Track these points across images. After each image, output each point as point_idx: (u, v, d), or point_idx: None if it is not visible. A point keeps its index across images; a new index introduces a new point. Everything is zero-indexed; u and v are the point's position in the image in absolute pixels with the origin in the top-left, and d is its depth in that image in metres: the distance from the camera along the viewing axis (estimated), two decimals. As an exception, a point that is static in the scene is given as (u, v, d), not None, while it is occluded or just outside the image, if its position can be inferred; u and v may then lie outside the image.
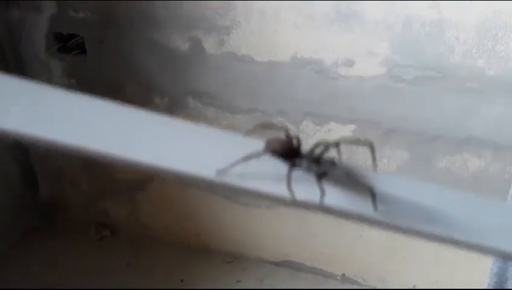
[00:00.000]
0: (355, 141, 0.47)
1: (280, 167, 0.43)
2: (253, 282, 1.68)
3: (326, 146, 0.45)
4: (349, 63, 1.36)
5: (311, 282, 1.68)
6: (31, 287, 1.62)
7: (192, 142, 0.45)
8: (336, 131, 1.45)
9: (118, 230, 1.86)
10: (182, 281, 1.67)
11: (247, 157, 0.42)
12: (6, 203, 1.78)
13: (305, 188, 0.42)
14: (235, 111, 1.51)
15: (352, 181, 0.43)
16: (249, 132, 0.47)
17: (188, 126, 0.47)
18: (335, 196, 0.42)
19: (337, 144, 0.45)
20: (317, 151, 0.45)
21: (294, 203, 0.41)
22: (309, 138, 1.48)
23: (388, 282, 1.63)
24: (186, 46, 1.47)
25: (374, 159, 0.47)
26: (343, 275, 1.68)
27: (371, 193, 0.41)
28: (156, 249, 1.79)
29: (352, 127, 1.43)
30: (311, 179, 0.42)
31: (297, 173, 0.43)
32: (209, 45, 1.45)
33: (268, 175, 0.43)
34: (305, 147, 0.45)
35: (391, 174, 0.42)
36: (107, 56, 1.56)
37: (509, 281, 0.73)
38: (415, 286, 1.61)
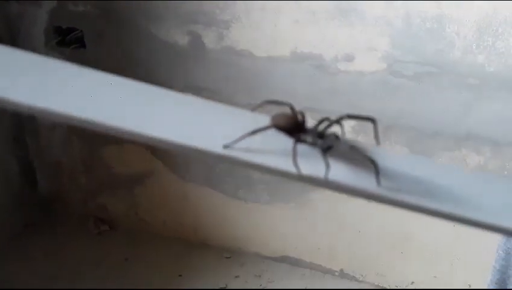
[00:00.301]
0: (358, 117, 0.47)
1: (285, 141, 0.43)
2: (252, 277, 1.68)
3: (330, 122, 0.45)
4: (349, 58, 1.36)
5: (309, 278, 1.68)
6: (30, 281, 1.62)
7: (199, 117, 0.45)
8: (335, 126, 1.45)
9: (117, 225, 1.86)
10: (180, 276, 1.67)
11: (254, 132, 0.42)
12: (5, 197, 1.78)
13: (310, 162, 0.42)
14: (234, 106, 1.50)
15: (356, 155, 0.43)
16: (255, 108, 0.48)
17: (194, 100, 0.47)
18: (339, 170, 0.42)
19: (340, 120, 0.46)
20: (321, 126, 0.45)
21: (300, 178, 0.41)
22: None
23: (386, 278, 1.63)
24: (185, 41, 1.46)
25: (376, 134, 0.48)
26: (341, 270, 1.68)
27: (374, 167, 0.41)
28: (154, 244, 1.79)
29: (352, 122, 1.43)
30: (315, 153, 0.43)
31: (302, 148, 0.43)
32: (209, 39, 1.44)
33: (274, 150, 0.43)
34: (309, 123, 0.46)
35: (394, 150, 0.43)
36: (106, 50, 1.56)
37: (511, 278, 0.73)
38: (413, 282, 1.61)
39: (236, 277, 1.68)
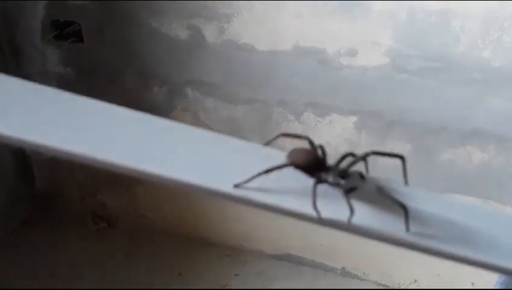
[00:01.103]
0: (385, 154, 0.43)
1: (303, 180, 0.40)
2: (253, 276, 1.67)
3: (355, 159, 0.42)
4: (352, 53, 1.34)
5: (311, 276, 1.67)
6: (28, 279, 1.61)
7: (208, 153, 0.42)
8: (337, 122, 1.43)
9: (116, 222, 1.85)
10: (179, 274, 1.66)
11: (268, 170, 0.39)
12: (2, 193, 1.77)
13: (331, 204, 0.39)
14: (235, 101, 1.49)
15: (383, 197, 0.39)
16: (269, 142, 0.44)
17: (203, 134, 0.43)
18: (364, 213, 0.39)
19: (365, 157, 0.42)
20: (344, 163, 0.42)
21: (320, 222, 0.39)
22: (310, 130, 1.46)
23: (389, 276, 1.62)
24: (186, 35, 1.45)
25: (405, 173, 0.44)
26: (343, 268, 1.67)
27: (404, 212, 0.38)
28: (153, 242, 1.77)
29: (354, 118, 1.41)
30: (337, 194, 0.39)
31: (323, 187, 0.39)
32: (210, 33, 1.43)
33: (291, 189, 0.40)
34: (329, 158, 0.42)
35: (422, 189, 0.39)
36: (105, 44, 1.54)
37: None
38: (415, 280, 1.59)
39: (236, 275, 1.67)
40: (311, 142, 0.42)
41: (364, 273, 1.65)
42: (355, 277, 1.66)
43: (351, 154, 0.42)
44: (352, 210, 0.38)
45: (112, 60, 1.55)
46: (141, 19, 1.46)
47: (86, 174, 1.81)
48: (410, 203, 0.39)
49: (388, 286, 1.63)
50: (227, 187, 0.39)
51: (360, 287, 1.64)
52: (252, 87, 1.46)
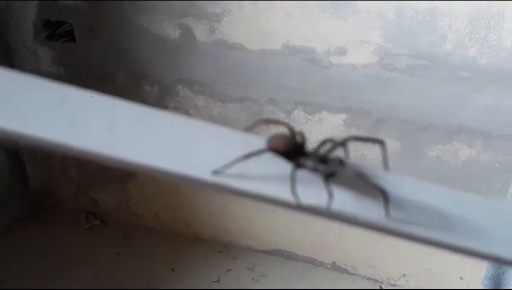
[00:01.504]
0: (365, 139, 0.42)
1: (283, 166, 0.39)
2: (244, 271, 1.68)
3: (334, 144, 0.41)
4: (342, 52, 1.35)
5: (301, 271, 1.68)
6: (21, 276, 1.61)
7: (185, 139, 0.40)
8: (327, 120, 1.45)
9: (108, 219, 1.85)
10: (172, 270, 1.66)
11: (247, 156, 0.38)
12: (-5, 192, 1.77)
13: (311, 190, 0.38)
14: (226, 100, 1.50)
15: (363, 183, 0.38)
16: (249, 128, 0.43)
17: (180, 120, 0.42)
18: (344, 199, 0.38)
19: (345, 142, 0.41)
20: (324, 149, 0.40)
21: (299, 208, 0.37)
22: (300, 127, 1.47)
23: (378, 270, 1.64)
24: (176, 34, 1.45)
25: (385, 158, 0.42)
26: (333, 263, 1.68)
27: (384, 197, 0.37)
28: (146, 239, 1.78)
29: (344, 116, 1.43)
30: (316, 180, 0.38)
31: (302, 174, 0.38)
32: (200, 32, 1.43)
33: (270, 176, 0.39)
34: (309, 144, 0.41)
35: (402, 175, 0.38)
36: (97, 43, 1.54)
37: (506, 274, 0.73)
38: (404, 274, 1.61)
39: (228, 270, 1.68)
40: (290, 128, 0.41)
41: (354, 268, 1.66)
42: (345, 271, 1.67)
43: (331, 140, 0.41)
44: (331, 195, 0.37)
45: (103, 59, 1.55)
46: (132, 18, 1.47)
47: (78, 172, 1.82)
48: (391, 189, 0.38)
49: (377, 280, 1.64)
50: (205, 174, 0.37)
51: (350, 281, 1.65)
52: (242, 86, 1.47)
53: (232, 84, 1.48)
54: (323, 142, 0.41)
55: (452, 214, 0.39)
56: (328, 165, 0.39)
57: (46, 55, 1.59)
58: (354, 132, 1.43)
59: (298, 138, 0.41)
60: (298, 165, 0.39)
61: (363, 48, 1.34)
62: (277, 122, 0.44)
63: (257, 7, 1.36)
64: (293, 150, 0.39)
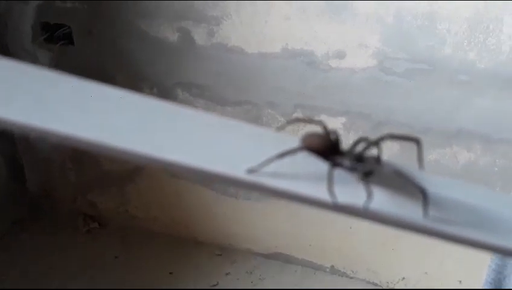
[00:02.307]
0: (400, 137, 0.42)
1: (317, 165, 0.38)
2: (243, 274, 1.68)
3: (368, 143, 0.40)
4: (340, 55, 1.35)
5: (300, 274, 1.68)
6: (19, 279, 1.61)
7: (218, 138, 0.40)
8: (326, 123, 1.44)
9: (107, 222, 1.85)
10: (170, 273, 1.66)
11: (282, 155, 0.37)
12: (-7, 195, 1.76)
13: (347, 189, 0.37)
14: (225, 103, 1.50)
15: (401, 181, 0.38)
16: (283, 126, 0.44)
17: (211, 119, 0.42)
18: (380, 198, 0.37)
19: (379, 141, 0.40)
20: (359, 148, 0.40)
21: (336, 208, 0.37)
22: (300, 131, 1.47)
23: (377, 274, 1.64)
24: (175, 37, 1.45)
25: (420, 157, 0.42)
26: (332, 267, 1.68)
27: (423, 196, 0.36)
28: (144, 242, 1.78)
29: (343, 119, 1.43)
30: (350, 179, 0.38)
31: (337, 173, 0.38)
32: (199, 36, 1.43)
33: (304, 175, 0.38)
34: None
35: (437, 175, 0.37)
36: (95, 46, 1.54)
37: (507, 279, 0.72)
38: (404, 278, 1.61)
39: (227, 274, 1.68)
40: (324, 127, 0.41)
41: (353, 272, 1.66)
42: (344, 275, 1.67)
43: (365, 139, 0.40)
44: (370, 194, 0.36)
45: (102, 62, 1.55)
46: (131, 21, 1.47)
47: (77, 175, 1.81)
48: (427, 187, 0.37)
49: (376, 284, 1.64)
50: (240, 173, 0.37)
51: (349, 284, 1.65)
52: (241, 89, 1.47)
53: (231, 87, 1.47)
54: (358, 141, 0.41)
55: (490, 212, 0.38)
56: (365, 163, 0.38)
57: (45, 58, 1.59)
58: (353, 135, 1.43)
59: (332, 137, 0.40)
60: (335, 164, 0.38)
61: (362, 51, 1.34)
62: (311, 120, 0.43)
63: (256, 11, 1.36)
64: (328, 148, 0.39)
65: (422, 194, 0.37)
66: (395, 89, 1.35)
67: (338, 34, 1.33)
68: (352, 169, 0.38)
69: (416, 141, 0.42)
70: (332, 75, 1.38)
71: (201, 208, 1.74)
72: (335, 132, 0.41)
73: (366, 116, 1.41)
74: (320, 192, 0.37)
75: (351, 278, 1.67)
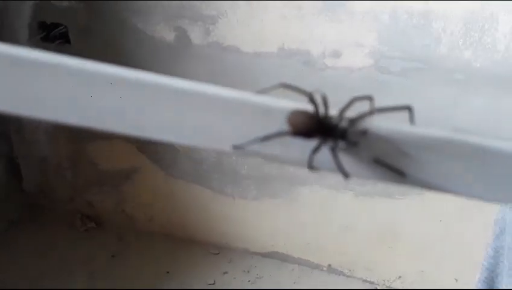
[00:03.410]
0: (391, 109, 0.41)
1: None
2: (240, 273, 1.68)
3: (357, 118, 0.40)
4: (337, 54, 1.36)
5: (297, 273, 1.68)
6: (16, 279, 1.61)
7: (199, 108, 0.40)
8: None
9: (103, 222, 1.85)
10: (167, 272, 1.66)
11: (265, 138, 0.37)
12: (-10, 194, 1.76)
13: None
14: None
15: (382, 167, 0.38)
16: (266, 90, 0.41)
17: (189, 86, 0.40)
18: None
19: (368, 115, 0.40)
20: (347, 117, 0.39)
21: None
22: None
23: (374, 272, 1.64)
24: (171, 36, 1.45)
25: (412, 122, 0.42)
26: (329, 265, 1.68)
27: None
28: (141, 241, 1.78)
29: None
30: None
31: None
32: (195, 35, 1.43)
33: (291, 147, 0.39)
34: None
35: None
36: (92, 46, 1.54)
37: (499, 277, 0.73)
38: (400, 276, 1.61)
39: (224, 273, 1.68)
40: (312, 100, 0.40)
41: (350, 270, 1.67)
42: (341, 273, 1.67)
43: (359, 98, 0.40)
44: (346, 175, 0.37)
45: (98, 61, 1.55)
46: (127, 20, 1.47)
47: (73, 175, 1.81)
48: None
49: (373, 282, 1.65)
50: (225, 146, 0.38)
51: (346, 283, 1.65)
52: (237, 88, 1.47)
53: (227, 86, 1.47)
54: (350, 103, 0.40)
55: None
56: (348, 141, 0.38)
57: (41, 57, 1.59)
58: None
59: (321, 111, 0.39)
60: (319, 146, 0.38)
61: (358, 50, 1.34)
62: (297, 90, 0.43)
63: (252, 9, 1.36)
64: (315, 131, 0.38)
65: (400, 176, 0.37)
66: (391, 88, 1.35)
67: (334, 33, 1.34)
68: (333, 148, 0.38)
69: (408, 108, 0.42)
70: (328, 74, 1.38)
71: (198, 207, 1.74)
72: (324, 100, 0.40)
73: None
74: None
75: (348, 276, 1.67)
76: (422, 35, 1.28)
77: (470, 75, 1.28)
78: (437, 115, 1.35)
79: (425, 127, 0.40)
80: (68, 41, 1.54)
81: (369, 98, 0.42)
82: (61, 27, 1.53)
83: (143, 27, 1.46)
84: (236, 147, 0.38)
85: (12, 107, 0.38)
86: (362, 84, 1.36)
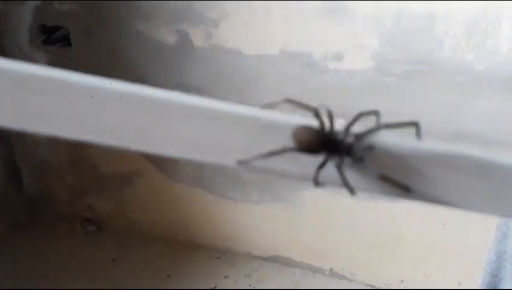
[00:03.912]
0: (397, 125, 0.42)
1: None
2: (241, 277, 1.67)
3: (363, 133, 0.40)
4: (339, 57, 1.35)
5: (299, 277, 1.68)
6: (16, 283, 1.60)
7: (204, 123, 0.39)
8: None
9: (104, 225, 1.84)
10: (168, 276, 1.65)
11: (270, 154, 0.38)
12: (-10, 198, 1.76)
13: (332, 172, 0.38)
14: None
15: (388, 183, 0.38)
16: (271, 105, 0.42)
17: (194, 102, 0.41)
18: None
19: (376, 130, 0.40)
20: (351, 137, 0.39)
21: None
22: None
23: (376, 277, 1.63)
24: (173, 39, 1.45)
25: (419, 137, 0.41)
26: (331, 269, 1.67)
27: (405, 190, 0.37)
28: (142, 245, 1.77)
29: (341, 121, 1.42)
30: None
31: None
32: (197, 37, 1.43)
33: (297, 164, 0.39)
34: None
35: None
36: (93, 48, 1.54)
37: (502, 281, 0.72)
38: (402, 281, 1.60)
39: (225, 277, 1.67)
40: (318, 115, 0.40)
41: (352, 274, 1.66)
42: (343, 277, 1.66)
43: (364, 114, 0.41)
44: (352, 191, 0.37)
45: (100, 64, 1.55)
46: (129, 23, 1.46)
47: (74, 178, 1.81)
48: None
49: (375, 286, 1.64)
50: (230, 161, 0.38)
51: (348, 287, 1.64)
52: (239, 91, 1.47)
53: (229, 89, 1.47)
54: (356, 118, 0.41)
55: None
56: (353, 157, 0.38)
57: (42, 60, 1.59)
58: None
59: (327, 126, 0.40)
60: (324, 163, 0.38)
61: (360, 53, 1.33)
62: (302, 105, 0.43)
63: (254, 12, 1.36)
64: (321, 147, 0.38)
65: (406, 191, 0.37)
66: (393, 91, 1.35)
67: (336, 36, 1.33)
68: (339, 165, 0.38)
69: (415, 124, 0.41)
70: (330, 77, 1.38)
71: (200, 211, 1.73)
72: (330, 116, 0.40)
73: (364, 119, 1.40)
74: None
75: (350, 280, 1.66)
76: (424, 38, 1.27)
77: (472, 78, 1.28)
78: (440, 118, 1.35)
79: (432, 142, 0.40)
80: (69, 44, 1.54)
81: (376, 113, 0.42)
82: (62, 30, 1.53)
83: (145, 30, 1.46)
84: (241, 162, 0.38)
85: (17, 123, 0.37)
86: (364, 87, 1.36)
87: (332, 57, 1.35)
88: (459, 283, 1.53)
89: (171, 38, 1.45)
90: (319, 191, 1.55)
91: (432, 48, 1.28)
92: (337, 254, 1.65)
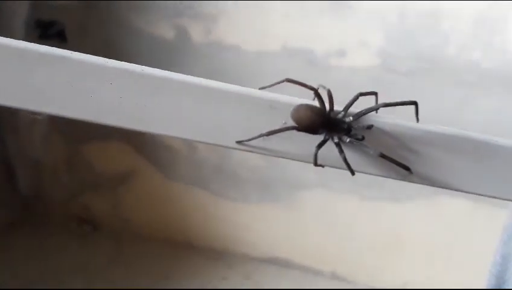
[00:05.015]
0: (396, 104, 0.44)
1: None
2: (240, 279, 1.66)
3: (362, 113, 0.42)
4: (341, 53, 1.34)
5: (299, 279, 1.66)
6: (11, 283, 1.58)
7: (203, 103, 0.41)
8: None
9: (100, 225, 1.82)
10: (166, 277, 1.64)
11: (270, 133, 0.39)
12: (-17, 197, 1.74)
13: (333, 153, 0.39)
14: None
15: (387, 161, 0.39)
16: (271, 86, 0.43)
17: (194, 82, 0.42)
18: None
19: (372, 111, 0.42)
20: (350, 117, 0.40)
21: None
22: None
23: (378, 279, 1.62)
24: (171, 35, 1.44)
25: (417, 117, 0.44)
26: (332, 272, 1.66)
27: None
28: (139, 246, 1.75)
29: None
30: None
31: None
32: (196, 33, 1.42)
33: (296, 146, 0.40)
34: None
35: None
36: (89, 44, 1.52)
37: (507, 283, 0.72)
38: (405, 283, 1.59)
39: (224, 278, 1.66)
40: (317, 96, 0.42)
41: (353, 277, 1.65)
42: (344, 280, 1.65)
43: (363, 94, 0.42)
44: (352, 171, 0.38)
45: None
46: (126, 18, 1.45)
47: (69, 177, 1.80)
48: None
49: (378, 289, 1.63)
50: (229, 142, 0.39)
51: (349, 289, 1.64)
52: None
53: (229, 86, 1.46)
54: (355, 99, 0.42)
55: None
56: (353, 135, 0.39)
57: (37, 55, 1.57)
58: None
59: (327, 106, 0.42)
60: (324, 141, 0.40)
61: (363, 50, 1.32)
62: (303, 84, 0.44)
63: (254, 8, 1.35)
64: (320, 126, 0.40)
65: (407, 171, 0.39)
66: (397, 89, 1.33)
67: (339, 32, 1.32)
68: (339, 143, 0.40)
69: (414, 104, 0.43)
70: (332, 73, 1.37)
71: (197, 211, 1.72)
72: (329, 95, 0.44)
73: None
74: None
75: (351, 282, 1.65)
76: (430, 35, 1.26)
77: (479, 76, 1.27)
78: (445, 117, 1.33)
79: (430, 123, 0.40)
80: (65, 39, 1.53)
81: (374, 94, 0.44)
82: (59, 25, 1.52)
83: (142, 25, 1.45)
84: (240, 143, 0.40)
85: (12, 101, 0.37)
86: (368, 84, 1.34)
87: (335, 54, 1.34)
88: (463, 285, 1.51)
89: (168, 34, 1.43)
90: (319, 191, 1.54)
91: (437, 44, 1.26)
92: (339, 256, 1.63)
